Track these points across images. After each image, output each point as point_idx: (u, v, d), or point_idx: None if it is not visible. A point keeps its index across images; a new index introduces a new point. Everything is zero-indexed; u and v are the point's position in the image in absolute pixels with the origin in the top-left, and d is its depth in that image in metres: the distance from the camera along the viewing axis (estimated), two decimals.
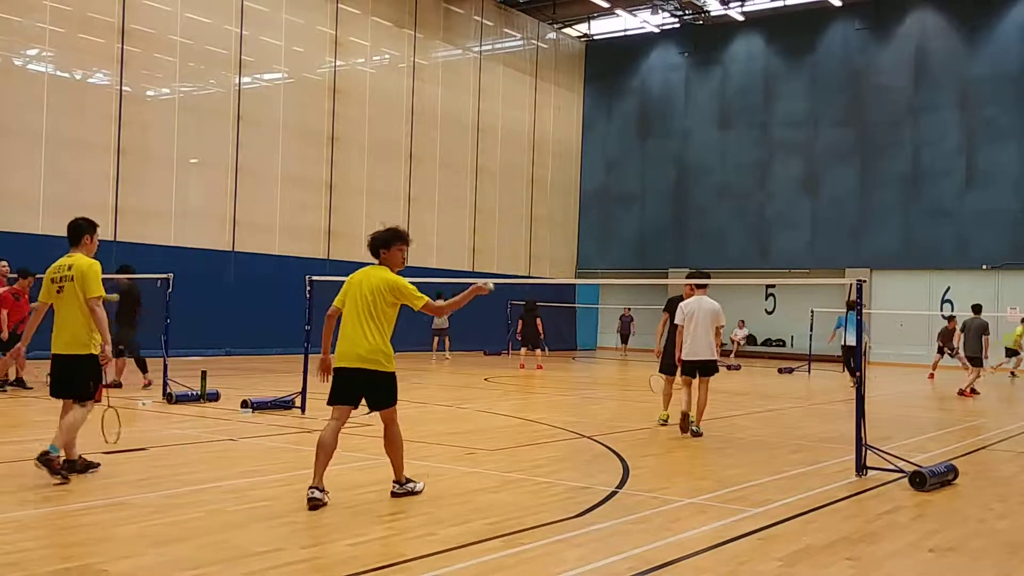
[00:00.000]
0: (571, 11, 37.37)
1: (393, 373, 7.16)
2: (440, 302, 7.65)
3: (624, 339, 34.14)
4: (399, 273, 7.32)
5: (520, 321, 25.16)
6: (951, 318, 23.11)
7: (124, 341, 14.56)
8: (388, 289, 7.14)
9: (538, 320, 24.65)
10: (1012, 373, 26.46)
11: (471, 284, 7.39)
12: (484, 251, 34.12)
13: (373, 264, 7.38)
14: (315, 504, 6.71)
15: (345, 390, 7.12)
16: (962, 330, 19.81)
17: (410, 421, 12.65)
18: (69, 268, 7.55)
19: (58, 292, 7.54)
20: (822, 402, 17.46)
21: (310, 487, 6.81)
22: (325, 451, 6.90)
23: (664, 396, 12.49)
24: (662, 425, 12.17)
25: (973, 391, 19.10)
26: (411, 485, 7.32)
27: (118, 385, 14.47)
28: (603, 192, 39.46)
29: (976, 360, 19.13)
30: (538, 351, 24.70)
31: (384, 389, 7.13)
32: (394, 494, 7.23)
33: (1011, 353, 26.78)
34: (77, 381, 7.54)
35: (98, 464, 7.81)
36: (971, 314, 19.89)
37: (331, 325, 7.49)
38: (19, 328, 13.90)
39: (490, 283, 7.37)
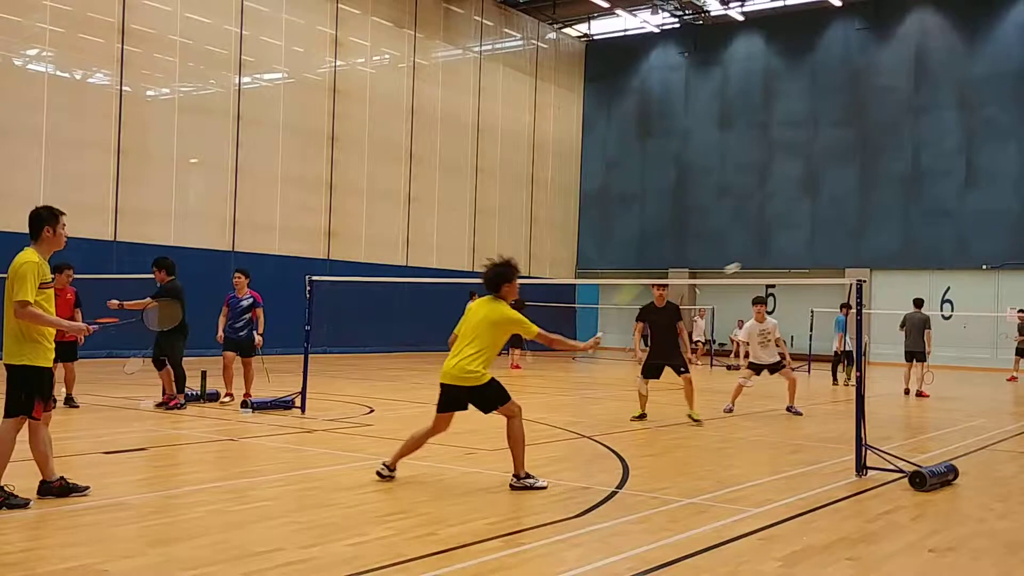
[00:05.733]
0: (571, 11, 37.37)
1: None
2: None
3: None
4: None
5: None
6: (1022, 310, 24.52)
7: (166, 350, 12.52)
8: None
9: None
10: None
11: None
12: (484, 251, 34.06)
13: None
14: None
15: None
16: (902, 326, 19.63)
17: (410, 421, 12.65)
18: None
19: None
20: (822, 402, 17.44)
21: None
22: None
23: (641, 398, 13.12)
24: (634, 419, 12.86)
25: (920, 392, 18.99)
26: (530, 480, 7.78)
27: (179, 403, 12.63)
28: (603, 192, 39.45)
29: (920, 355, 19.06)
30: (517, 351, 24.64)
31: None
32: (512, 487, 7.77)
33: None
34: (10, 391, 6.58)
35: (86, 488, 6.95)
36: (913, 308, 19.62)
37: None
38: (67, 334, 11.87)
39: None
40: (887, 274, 32.92)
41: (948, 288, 32.12)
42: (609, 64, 39.19)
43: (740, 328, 34.19)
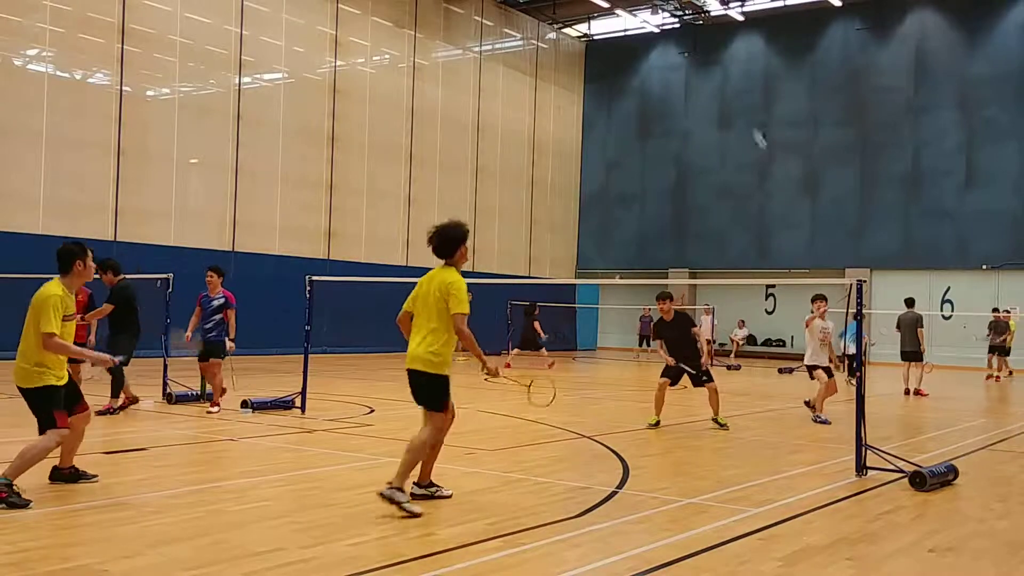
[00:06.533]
0: (571, 11, 37.36)
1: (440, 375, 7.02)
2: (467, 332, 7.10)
3: (647, 341, 33.87)
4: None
5: (523, 325, 25.22)
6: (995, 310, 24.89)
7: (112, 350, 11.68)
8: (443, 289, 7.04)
9: (535, 324, 24.75)
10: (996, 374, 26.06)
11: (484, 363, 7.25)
12: (484, 251, 34.10)
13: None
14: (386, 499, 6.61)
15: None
16: (897, 327, 19.81)
17: (410, 421, 12.65)
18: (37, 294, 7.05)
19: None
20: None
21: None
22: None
23: (657, 403, 12.49)
24: (650, 427, 12.28)
25: (918, 391, 19.07)
26: (434, 489, 7.19)
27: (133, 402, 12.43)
28: (603, 192, 39.45)
29: (915, 355, 19.14)
30: (543, 350, 24.83)
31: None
32: (413, 495, 6.98)
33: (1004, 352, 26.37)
34: (33, 411, 7.00)
35: (95, 476, 7.43)
36: (905, 308, 19.86)
37: None
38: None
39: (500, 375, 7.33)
40: (887, 274, 32.91)
41: (948, 288, 32.12)
42: (609, 64, 39.19)
43: (740, 328, 34.42)
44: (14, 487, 6.58)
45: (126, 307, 12.05)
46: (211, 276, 12.93)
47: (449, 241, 7.11)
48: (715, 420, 12.42)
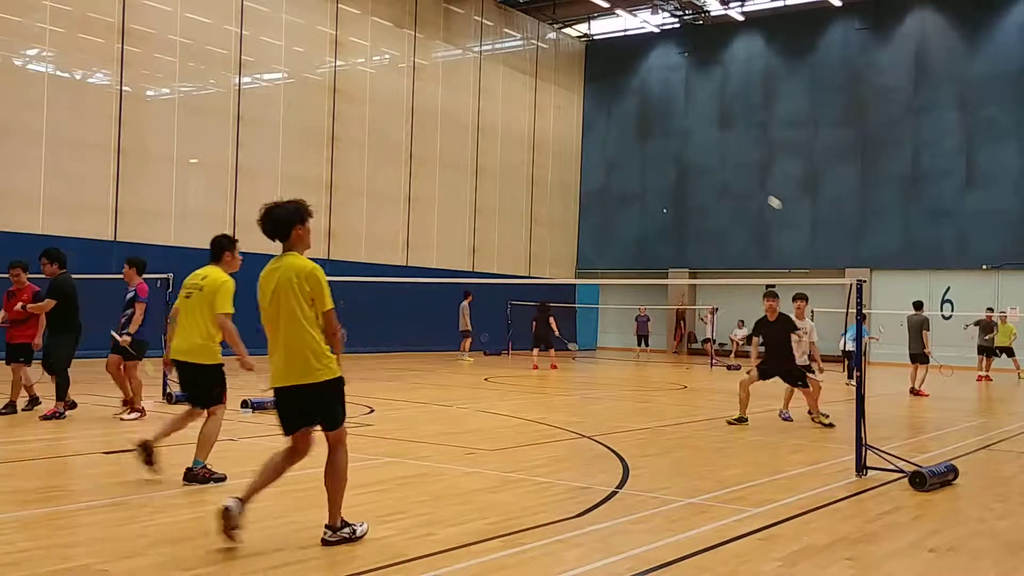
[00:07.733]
0: (571, 11, 37.39)
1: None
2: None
3: (644, 340, 34.06)
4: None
5: (533, 322, 25.07)
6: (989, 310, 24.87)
7: (50, 352, 11.45)
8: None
9: (551, 319, 24.74)
10: (1019, 375, 26.18)
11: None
12: (484, 251, 34.13)
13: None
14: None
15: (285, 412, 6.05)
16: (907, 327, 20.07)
17: (410, 421, 12.68)
18: (203, 278, 7.83)
19: (186, 297, 7.89)
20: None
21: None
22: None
23: (742, 402, 12.80)
24: (732, 423, 12.61)
25: (918, 392, 19.11)
26: (347, 530, 5.80)
27: (36, 402, 11.88)
28: (603, 192, 39.46)
29: (920, 356, 19.25)
30: (551, 351, 24.79)
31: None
32: (325, 542, 5.73)
33: (1009, 352, 26.43)
34: (199, 389, 7.84)
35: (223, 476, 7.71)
36: (913, 310, 20.04)
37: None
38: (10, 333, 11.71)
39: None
40: (887, 274, 32.93)
41: (948, 288, 32.12)
42: (609, 64, 39.19)
43: (740, 328, 34.40)
44: (207, 466, 7.54)
45: (64, 303, 11.25)
46: (126, 268, 11.81)
47: (278, 223, 5.84)
48: (819, 421, 12.77)
